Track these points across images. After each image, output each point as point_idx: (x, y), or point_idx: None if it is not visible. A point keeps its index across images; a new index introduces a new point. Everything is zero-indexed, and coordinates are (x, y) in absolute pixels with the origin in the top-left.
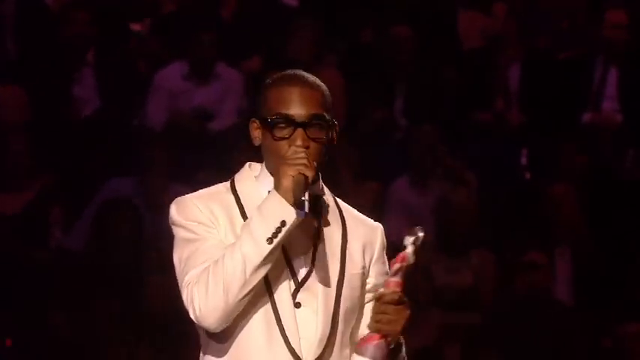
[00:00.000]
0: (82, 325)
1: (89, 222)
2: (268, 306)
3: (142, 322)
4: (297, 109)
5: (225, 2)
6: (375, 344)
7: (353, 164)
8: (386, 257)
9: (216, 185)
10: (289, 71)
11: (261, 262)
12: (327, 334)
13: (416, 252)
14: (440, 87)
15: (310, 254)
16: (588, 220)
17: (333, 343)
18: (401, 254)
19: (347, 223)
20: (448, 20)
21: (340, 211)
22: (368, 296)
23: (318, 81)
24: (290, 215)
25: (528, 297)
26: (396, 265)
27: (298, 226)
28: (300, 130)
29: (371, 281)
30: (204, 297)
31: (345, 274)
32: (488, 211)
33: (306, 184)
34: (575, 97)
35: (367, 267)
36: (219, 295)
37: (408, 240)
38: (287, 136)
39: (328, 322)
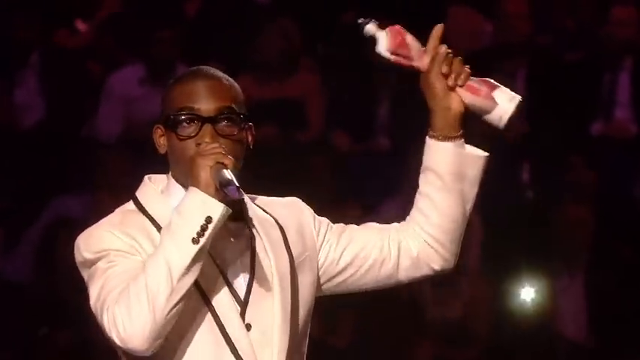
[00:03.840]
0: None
1: (32, 247)
2: (216, 330)
3: (92, 357)
4: (202, 103)
5: None
6: (499, 87)
7: (330, 183)
8: (320, 218)
9: (117, 210)
10: (194, 67)
11: (188, 265)
12: (285, 353)
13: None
14: None
15: (248, 267)
16: (599, 244)
17: (292, 357)
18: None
19: (275, 216)
20: (438, 17)
21: (263, 209)
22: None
23: (227, 76)
24: (216, 209)
25: (530, 332)
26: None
27: (230, 238)
28: (207, 126)
29: (333, 245)
30: (126, 314)
31: (294, 282)
32: (484, 234)
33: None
34: (582, 104)
35: (314, 246)
36: (144, 309)
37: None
38: (193, 134)
39: (285, 341)
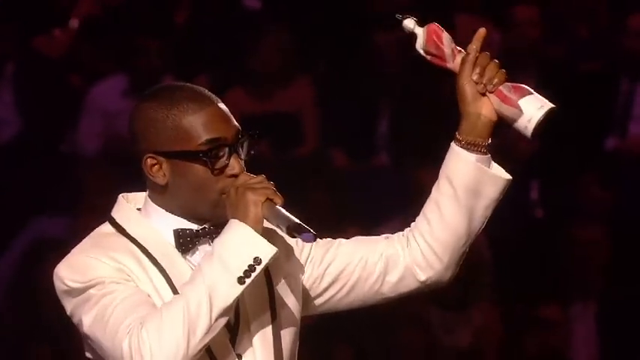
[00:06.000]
0: None
1: (9, 270)
2: None
3: None
4: (224, 131)
5: (180, 6)
6: (530, 94)
7: (326, 201)
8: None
9: (92, 234)
10: (171, 86)
11: (230, 305)
12: None
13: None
14: (433, 108)
15: None
16: (613, 268)
17: None
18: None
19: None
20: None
21: None
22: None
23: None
24: (267, 252)
25: None
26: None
27: None
28: (235, 155)
29: (327, 262)
30: (156, 341)
31: (276, 305)
32: (492, 256)
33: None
34: (596, 118)
35: (299, 264)
36: (178, 338)
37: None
38: (225, 165)
39: None
